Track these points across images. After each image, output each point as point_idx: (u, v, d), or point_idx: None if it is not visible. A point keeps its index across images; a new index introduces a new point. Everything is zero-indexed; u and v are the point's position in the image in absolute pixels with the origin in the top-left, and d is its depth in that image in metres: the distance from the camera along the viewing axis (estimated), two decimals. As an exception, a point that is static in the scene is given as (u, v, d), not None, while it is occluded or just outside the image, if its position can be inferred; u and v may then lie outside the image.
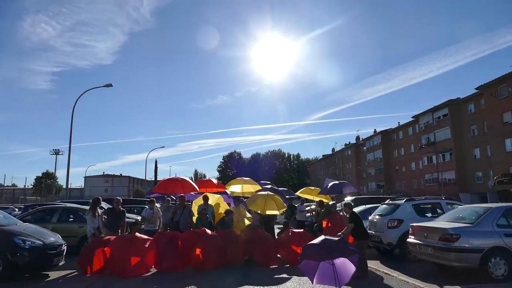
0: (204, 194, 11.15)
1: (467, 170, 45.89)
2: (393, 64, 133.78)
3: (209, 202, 10.95)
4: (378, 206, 11.85)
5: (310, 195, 14.94)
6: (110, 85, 26.41)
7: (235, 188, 13.43)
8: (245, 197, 13.17)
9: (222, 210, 11.36)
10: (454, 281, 6.55)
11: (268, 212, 10.79)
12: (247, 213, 11.62)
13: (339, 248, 6.84)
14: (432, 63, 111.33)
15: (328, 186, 12.29)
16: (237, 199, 12.36)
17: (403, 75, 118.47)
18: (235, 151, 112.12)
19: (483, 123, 42.88)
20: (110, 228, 8.97)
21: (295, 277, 7.70)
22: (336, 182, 12.73)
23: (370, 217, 11.34)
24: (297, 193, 15.88)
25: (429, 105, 59.44)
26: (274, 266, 8.92)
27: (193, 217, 10.40)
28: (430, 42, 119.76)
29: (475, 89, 43.21)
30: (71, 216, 11.64)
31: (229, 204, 12.49)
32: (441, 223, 8.06)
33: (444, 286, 6.26)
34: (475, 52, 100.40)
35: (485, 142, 42.53)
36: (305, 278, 7.34)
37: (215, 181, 12.61)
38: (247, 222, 11.15)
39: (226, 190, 13.30)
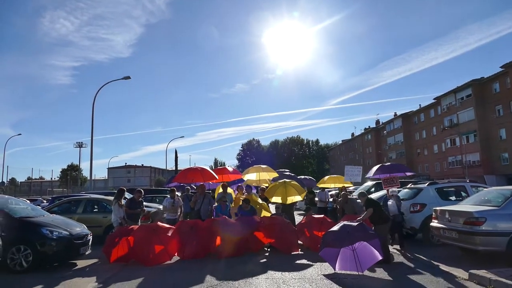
0: (223, 183, 11.23)
1: (492, 151, 44.54)
2: (413, 45, 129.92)
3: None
4: (400, 191, 11.65)
5: (334, 183, 14.72)
6: (128, 78, 26.78)
7: (250, 176, 13.45)
8: (257, 187, 13.23)
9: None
10: (480, 265, 6.40)
11: (290, 199, 10.82)
12: (259, 199, 11.63)
13: (358, 233, 6.81)
14: (454, 43, 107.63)
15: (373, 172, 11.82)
16: (248, 186, 12.40)
17: (423, 56, 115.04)
18: (253, 139, 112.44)
19: (509, 102, 41.35)
20: (131, 219, 9.18)
21: (317, 263, 7.70)
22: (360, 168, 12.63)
23: (390, 202, 11.16)
24: (320, 185, 15.50)
25: (451, 86, 57.77)
26: (295, 253, 8.95)
27: (213, 205, 10.53)
28: (452, 21, 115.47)
29: (500, 67, 41.60)
30: (95, 206, 11.96)
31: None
32: (465, 206, 7.86)
33: (470, 271, 6.12)
34: (500, 29, 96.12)
35: (511, 122, 41.09)
36: (327, 264, 7.34)
37: (230, 168, 12.65)
38: (260, 209, 11.20)
39: (242, 178, 13.34)
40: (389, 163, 11.83)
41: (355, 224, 7.08)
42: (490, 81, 44.78)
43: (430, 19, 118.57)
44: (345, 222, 7.30)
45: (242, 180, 13.45)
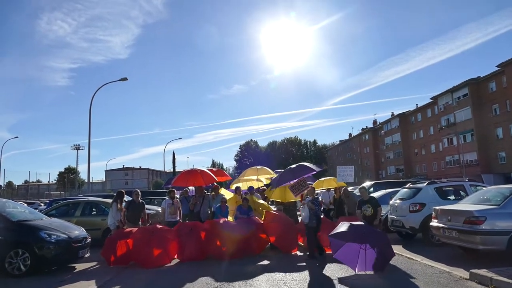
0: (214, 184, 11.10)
1: (490, 150, 44.74)
2: (411, 45, 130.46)
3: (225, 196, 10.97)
4: (399, 190, 11.66)
5: (329, 186, 14.48)
6: (125, 79, 26.73)
7: (250, 177, 13.36)
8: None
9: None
10: (480, 265, 6.39)
11: (288, 197, 10.80)
12: (260, 200, 11.58)
13: (372, 236, 6.88)
14: (451, 42, 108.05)
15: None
16: (251, 188, 12.33)
17: (421, 55, 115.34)
18: (251, 140, 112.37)
19: (505, 101, 41.57)
20: (131, 221, 9.13)
21: (318, 264, 7.68)
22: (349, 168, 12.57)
23: (391, 202, 11.18)
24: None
25: (448, 86, 57.75)
26: (296, 253, 8.93)
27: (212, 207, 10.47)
28: (449, 20, 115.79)
29: (496, 66, 41.88)
30: (93, 209, 11.90)
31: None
32: (465, 205, 7.86)
33: (470, 270, 6.11)
34: (497, 28, 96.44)
35: (508, 121, 41.30)
36: (328, 265, 7.35)
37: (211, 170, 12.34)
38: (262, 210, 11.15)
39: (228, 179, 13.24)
40: (290, 167, 10.86)
41: (362, 224, 7.22)
42: (487, 80, 45.01)
43: (428, 18, 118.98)
44: (353, 223, 7.28)
45: (231, 181, 13.44)
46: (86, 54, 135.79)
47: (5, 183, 69.77)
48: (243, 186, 12.78)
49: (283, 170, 15.59)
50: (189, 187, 11.09)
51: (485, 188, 9.42)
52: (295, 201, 11.59)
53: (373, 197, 8.18)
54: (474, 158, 46.53)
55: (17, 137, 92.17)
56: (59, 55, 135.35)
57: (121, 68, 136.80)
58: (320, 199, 14.23)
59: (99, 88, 27.28)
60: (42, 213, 10.19)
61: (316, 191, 14.40)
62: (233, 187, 13.14)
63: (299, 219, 11.23)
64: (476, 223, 6.89)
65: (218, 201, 10.24)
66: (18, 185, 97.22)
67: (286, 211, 10.70)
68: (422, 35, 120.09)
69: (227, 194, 11.60)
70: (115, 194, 10.20)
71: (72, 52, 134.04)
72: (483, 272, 5.84)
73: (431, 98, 56.01)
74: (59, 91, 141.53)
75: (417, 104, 64.33)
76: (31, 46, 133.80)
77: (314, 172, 10.84)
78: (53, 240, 7.42)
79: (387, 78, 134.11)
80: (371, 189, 14.74)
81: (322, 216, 10.13)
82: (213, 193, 10.89)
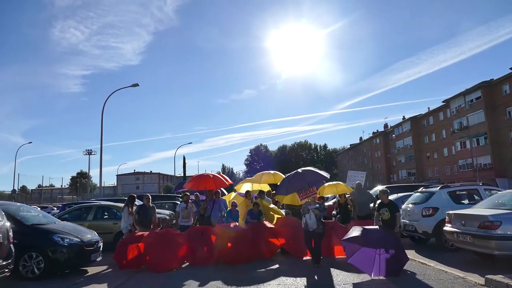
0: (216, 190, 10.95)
1: (504, 154, 43.93)
2: (422, 48, 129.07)
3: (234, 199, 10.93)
4: (411, 195, 11.51)
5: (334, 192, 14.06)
6: (136, 85, 27.04)
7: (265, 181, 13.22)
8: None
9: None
10: (495, 270, 6.25)
11: (302, 203, 10.69)
12: (271, 204, 11.52)
13: (386, 240, 6.83)
14: (463, 45, 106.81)
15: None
16: (261, 192, 12.27)
17: (432, 58, 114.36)
18: (261, 144, 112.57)
19: (519, 104, 40.84)
20: (143, 225, 9.19)
21: (329, 269, 7.60)
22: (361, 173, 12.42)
23: (403, 206, 11.03)
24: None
25: (460, 89, 56.96)
26: (306, 258, 8.84)
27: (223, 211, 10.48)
28: (461, 23, 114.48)
29: (510, 68, 41.17)
30: (105, 213, 12.01)
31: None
32: (480, 210, 7.72)
33: (486, 276, 5.98)
34: (509, 30, 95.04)
35: (522, 124, 40.55)
36: (339, 270, 7.28)
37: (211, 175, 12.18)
38: (273, 215, 11.07)
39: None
40: (298, 172, 10.10)
41: (376, 228, 7.19)
42: (500, 83, 44.30)
43: (438, 22, 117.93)
44: (366, 227, 7.21)
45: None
46: (98, 61, 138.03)
47: (19, 188, 70.87)
48: (255, 187, 12.67)
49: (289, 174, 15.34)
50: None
51: (500, 192, 9.24)
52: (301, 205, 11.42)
53: (392, 201, 8.07)
54: (488, 161, 45.75)
55: (31, 142, 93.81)
56: (72, 62, 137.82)
57: (132, 74, 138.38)
58: (328, 204, 14.10)
59: (111, 94, 27.68)
60: (55, 217, 10.31)
61: (326, 196, 14.24)
62: (241, 186, 13.07)
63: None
64: (491, 227, 6.75)
65: (220, 206, 10.30)
66: (31, 190, 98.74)
67: (295, 215, 10.60)
68: (433, 38, 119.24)
69: (237, 198, 11.58)
70: (126, 198, 10.28)
71: (85, 59, 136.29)
72: (499, 278, 5.72)
73: (443, 101, 55.37)
74: (72, 97, 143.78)
75: (428, 108, 63.85)
76: (45, 54, 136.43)
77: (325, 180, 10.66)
78: (66, 244, 7.50)
79: (398, 82, 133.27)
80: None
81: (333, 220, 10.09)
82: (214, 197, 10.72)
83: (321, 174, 10.12)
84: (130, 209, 9.19)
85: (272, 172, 13.44)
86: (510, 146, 43.15)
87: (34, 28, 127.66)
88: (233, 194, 12.28)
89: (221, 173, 16.55)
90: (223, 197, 11.71)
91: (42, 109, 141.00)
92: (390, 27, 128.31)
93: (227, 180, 11.62)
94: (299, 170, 10.48)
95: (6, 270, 5.62)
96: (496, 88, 45.12)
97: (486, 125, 45.46)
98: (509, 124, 42.99)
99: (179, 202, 10.73)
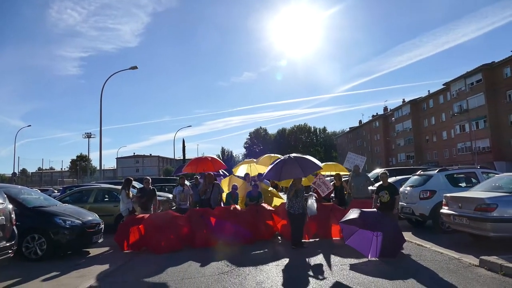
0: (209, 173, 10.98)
1: (503, 137, 44.00)
2: (424, 30, 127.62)
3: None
4: (409, 178, 11.59)
5: (330, 171, 14.17)
6: (135, 67, 26.83)
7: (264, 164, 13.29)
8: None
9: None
10: (490, 252, 6.37)
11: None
12: (270, 188, 11.61)
13: (384, 222, 6.93)
14: (465, 27, 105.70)
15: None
16: (260, 174, 12.34)
17: (434, 40, 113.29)
18: (261, 127, 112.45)
19: (520, 87, 40.66)
20: (143, 207, 9.29)
21: (327, 250, 7.73)
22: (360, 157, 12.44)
23: (401, 189, 11.11)
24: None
25: (461, 72, 56.66)
26: (304, 240, 8.96)
27: (223, 193, 10.58)
28: (463, 5, 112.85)
29: (511, 51, 40.85)
30: (106, 196, 12.13)
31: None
32: (476, 192, 7.80)
33: (480, 257, 6.10)
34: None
35: (522, 107, 40.46)
36: (336, 251, 7.40)
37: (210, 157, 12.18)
38: (272, 197, 11.17)
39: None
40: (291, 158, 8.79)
41: (374, 211, 7.29)
42: (501, 65, 43.99)
43: (441, 3, 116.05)
44: (364, 210, 7.28)
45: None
46: (96, 42, 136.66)
47: (19, 171, 71.17)
48: (252, 170, 12.70)
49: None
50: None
51: (497, 175, 9.31)
52: (308, 186, 11.43)
53: (392, 184, 8.16)
54: (487, 145, 45.87)
55: (30, 125, 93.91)
56: (69, 44, 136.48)
57: (131, 56, 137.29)
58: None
59: (110, 77, 27.50)
60: (56, 199, 10.41)
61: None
62: (237, 169, 13.14)
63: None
64: (487, 210, 6.84)
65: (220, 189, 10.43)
66: (32, 173, 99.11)
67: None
68: (435, 20, 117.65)
69: (237, 181, 11.65)
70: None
71: (82, 41, 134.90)
72: (493, 259, 5.84)
73: (443, 84, 55.07)
74: (71, 80, 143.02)
75: (429, 91, 63.45)
76: (42, 36, 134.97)
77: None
78: (67, 226, 7.61)
79: (399, 64, 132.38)
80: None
81: (331, 203, 10.18)
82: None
83: (315, 162, 10.10)
84: (127, 192, 9.27)
85: (272, 155, 13.53)
86: (509, 129, 43.18)
87: (31, 9, 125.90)
88: (232, 178, 12.32)
89: (219, 157, 16.65)
90: (222, 181, 11.85)
91: (40, 92, 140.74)
92: (392, 9, 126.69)
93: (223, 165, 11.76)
94: (291, 155, 10.04)
95: (10, 251, 5.71)
96: (497, 71, 44.82)
97: (486, 108, 45.38)
98: (509, 108, 42.90)
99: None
